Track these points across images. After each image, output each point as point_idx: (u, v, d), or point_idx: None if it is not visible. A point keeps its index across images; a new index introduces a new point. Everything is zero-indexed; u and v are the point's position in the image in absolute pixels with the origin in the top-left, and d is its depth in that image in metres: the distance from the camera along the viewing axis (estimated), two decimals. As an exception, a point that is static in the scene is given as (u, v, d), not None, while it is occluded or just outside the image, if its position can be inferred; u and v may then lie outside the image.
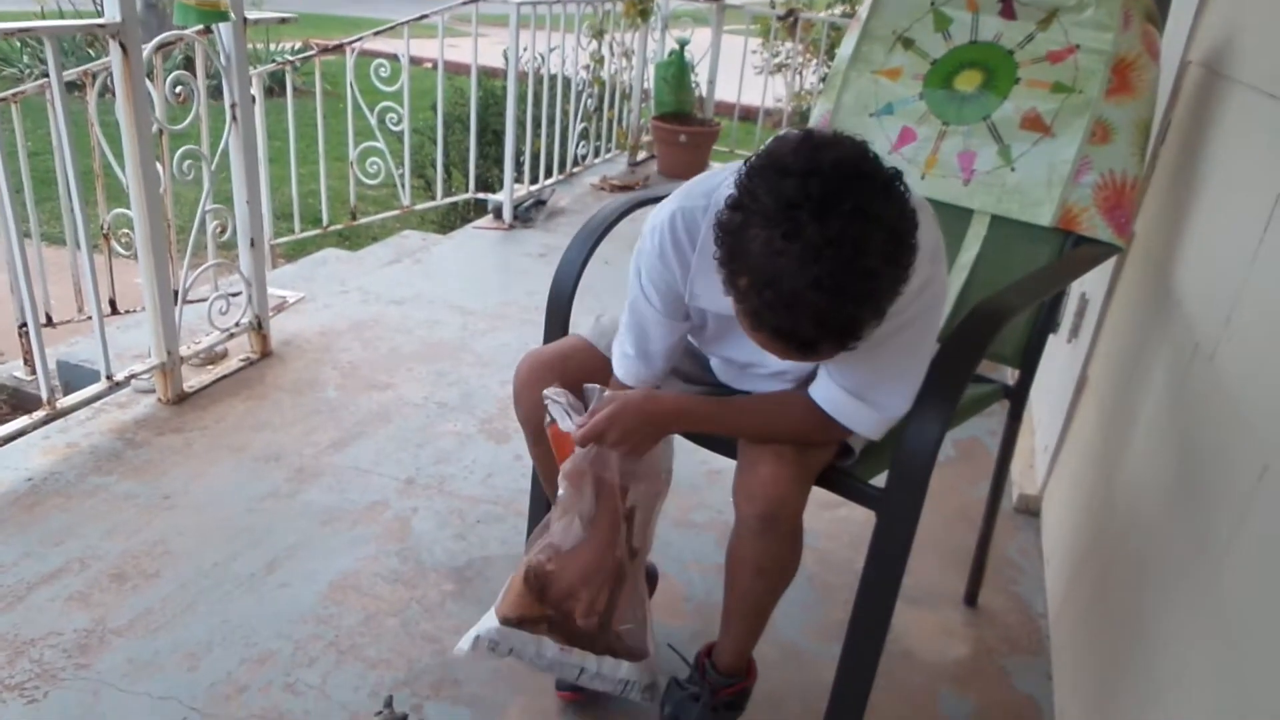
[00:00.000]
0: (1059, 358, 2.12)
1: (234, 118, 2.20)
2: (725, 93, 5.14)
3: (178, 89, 2.10)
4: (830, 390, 1.10)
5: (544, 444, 1.33)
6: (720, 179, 1.09)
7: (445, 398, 2.30)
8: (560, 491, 1.22)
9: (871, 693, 1.20)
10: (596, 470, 1.19)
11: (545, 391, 1.21)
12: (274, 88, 4.73)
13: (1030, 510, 1.99)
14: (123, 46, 1.89)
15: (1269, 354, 0.99)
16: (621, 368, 1.24)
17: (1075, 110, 1.50)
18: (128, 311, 2.91)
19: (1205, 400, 1.16)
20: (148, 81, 2.00)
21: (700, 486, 2.00)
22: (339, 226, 3.96)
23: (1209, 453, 1.10)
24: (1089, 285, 2.01)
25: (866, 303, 0.89)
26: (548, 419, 1.22)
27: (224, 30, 2.13)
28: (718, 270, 0.94)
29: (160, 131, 2.17)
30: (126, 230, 2.38)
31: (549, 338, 1.46)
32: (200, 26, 2.11)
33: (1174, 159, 1.64)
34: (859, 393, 1.09)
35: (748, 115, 5.66)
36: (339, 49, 3.56)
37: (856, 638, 1.20)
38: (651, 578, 1.52)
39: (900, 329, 1.03)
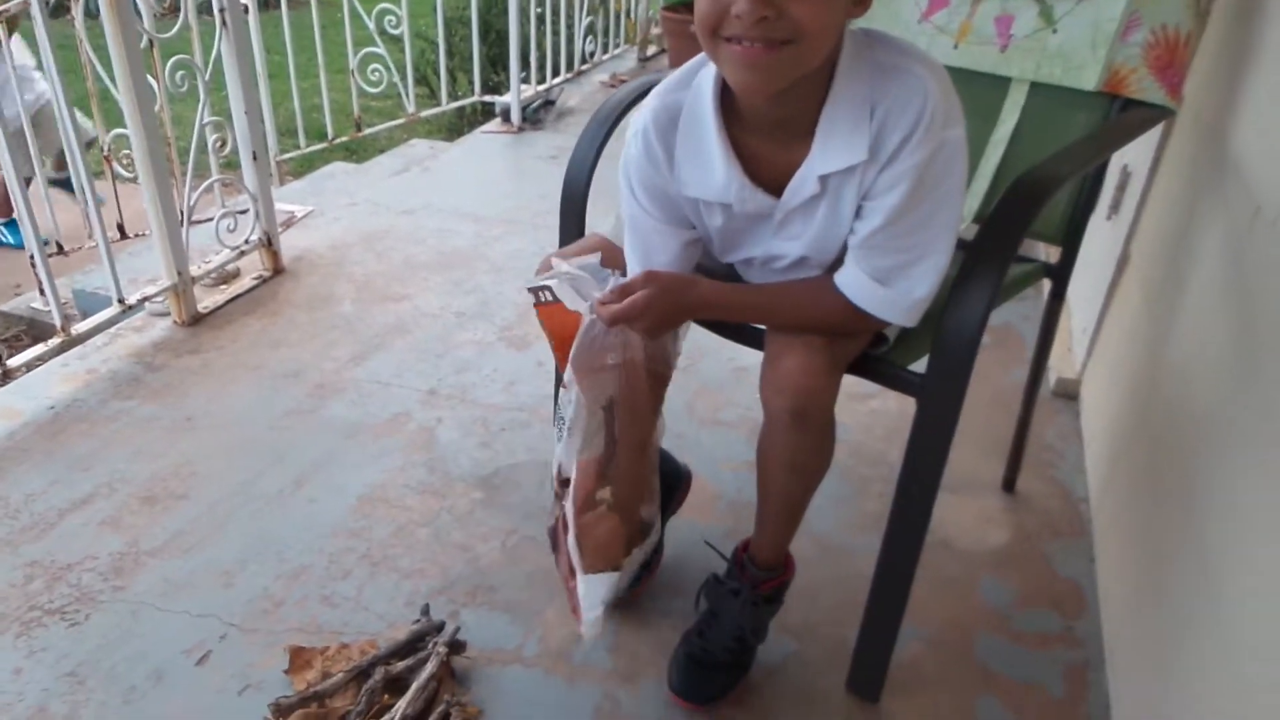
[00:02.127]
0: (1098, 236, 2.02)
1: (224, 23, 2.10)
2: None
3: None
4: (857, 278, 1.04)
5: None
6: (698, 64, 1.04)
7: (462, 307, 2.25)
8: (578, 394, 1.12)
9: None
10: (622, 355, 1.12)
11: (555, 264, 1.11)
12: (269, 0, 4.56)
13: (1069, 394, 1.94)
14: (100, -50, 1.79)
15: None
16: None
17: (1124, -40, 1.38)
18: (137, 235, 2.87)
19: (1268, 266, 1.08)
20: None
21: (728, 384, 1.95)
22: (344, 139, 3.84)
23: (1270, 328, 1.03)
24: (1130, 157, 1.90)
25: None
26: (544, 296, 1.11)
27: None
28: None
29: (150, 44, 2.07)
30: (128, 152, 2.31)
31: (564, 240, 1.40)
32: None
33: (1233, 9, 1.52)
34: (885, 278, 1.03)
35: None
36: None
37: (897, 529, 1.17)
38: (684, 478, 1.49)
39: (918, 193, 0.98)
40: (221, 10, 2.09)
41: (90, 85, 2.60)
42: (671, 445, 1.72)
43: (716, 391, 1.93)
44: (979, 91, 1.49)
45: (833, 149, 0.99)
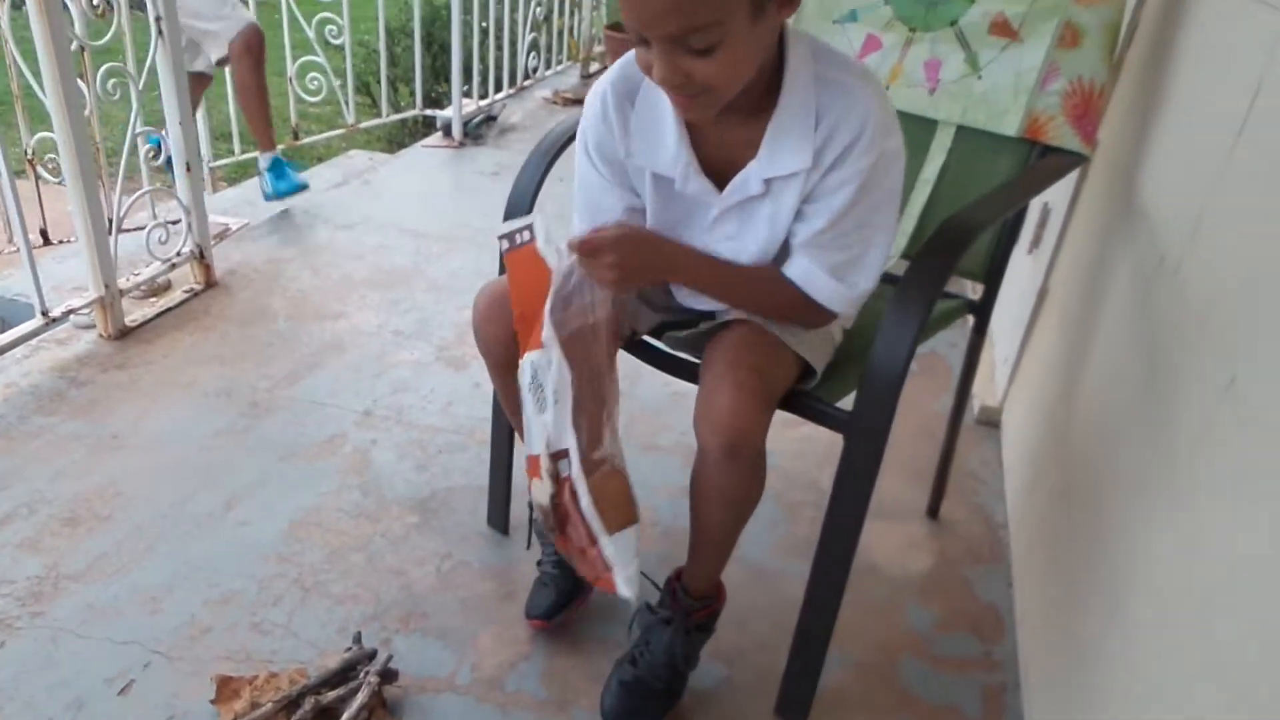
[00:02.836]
0: (1019, 269, 2.11)
1: (160, 32, 2.06)
2: None
3: (96, 1, 1.95)
4: (812, 272, 1.11)
5: (509, 374, 1.29)
6: None
7: (400, 325, 2.24)
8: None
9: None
10: (592, 315, 1.11)
11: (531, 219, 1.12)
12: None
13: (991, 422, 2.01)
14: (29, -44, 1.75)
15: (1237, 265, 0.98)
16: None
17: (1044, 14, 1.45)
18: (61, 242, 2.78)
19: (1170, 312, 1.15)
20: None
21: (665, 409, 1.98)
22: (281, 147, 3.78)
23: (1173, 364, 1.10)
24: (1051, 195, 1.99)
25: None
26: (520, 238, 1.11)
27: (141, -64, 1.97)
28: None
29: (81, 49, 2.03)
30: (53, 156, 2.24)
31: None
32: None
33: (1142, 61, 1.61)
34: (838, 273, 1.11)
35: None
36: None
37: (825, 558, 1.20)
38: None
39: (859, 197, 1.06)
40: (158, 20, 2.05)
41: (14, 85, 2.53)
42: (608, 469, 1.74)
43: (654, 416, 1.96)
44: (909, 131, 1.53)
45: (779, 155, 1.06)
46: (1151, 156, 1.41)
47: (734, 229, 1.15)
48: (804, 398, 1.17)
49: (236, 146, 3.64)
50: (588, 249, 1.06)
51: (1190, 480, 0.97)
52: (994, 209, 1.26)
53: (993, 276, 1.52)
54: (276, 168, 2.89)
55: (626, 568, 1.14)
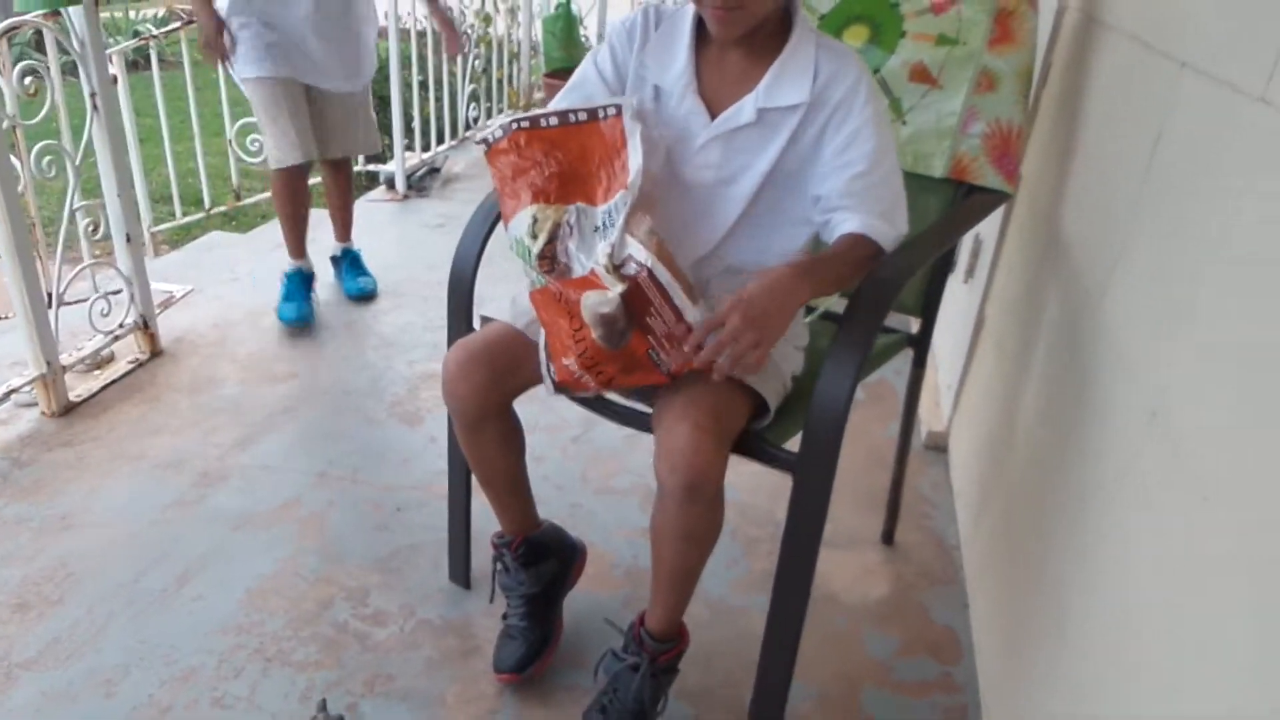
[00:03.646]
0: (957, 296, 2.19)
1: (95, 107, 2.06)
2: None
3: (28, 80, 1.95)
4: (868, 223, 1.20)
5: (479, 434, 1.31)
6: None
7: (351, 384, 2.24)
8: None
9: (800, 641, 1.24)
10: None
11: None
12: (139, 60, 4.45)
13: (938, 446, 2.07)
14: (-41, 37, 1.74)
15: (1153, 302, 1.04)
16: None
17: (960, 62, 1.52)
18: (2, 319, 2.73)
19: (1094, 346, 1.21)
20: (-7, 73, 1.86)
21: (620, 451, 2.00)
22: (223, 208, 3.78)
23: (1101, 394, 1.15)
24: (982, 227, 2.07)
25: None
26: (494, 135, 1.19)
27: (75, 14, 1.97)
28: None
29: (14, 127, 2.01)
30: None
31: (453, 319, 1.43)
32: (45, 12, 1.95)
33: (1055, 103, 1.70)
34: (887, 217, 1.22)
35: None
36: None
37: (783, 594, 1.23)
38: (580, 552, 1.52)
39: (879, 135, 1.20)
40: (93, 95, 2.05)
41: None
42: (566, 515, 1.76)
43: (609, 459, 1.98)
44: (840, 175, 1.62)
45: (777, 91, 1.20)
46: (1070, 194, 1.49)
47: (717, 158, 1.24)
48: (754, 440, 1.21)
49: (177, 209, 3.62)
50: (710, 329, 1.08)
51: (1120, 506, 1.02)
52: (924, 251, 1.32)
53: (929, 310, 1.58)
54: (355, 261, 2.79)
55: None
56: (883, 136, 1.22)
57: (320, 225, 2.80)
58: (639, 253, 1.07)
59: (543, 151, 1.19)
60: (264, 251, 3.07)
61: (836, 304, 1.64)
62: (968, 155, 1.54)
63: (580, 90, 1.31)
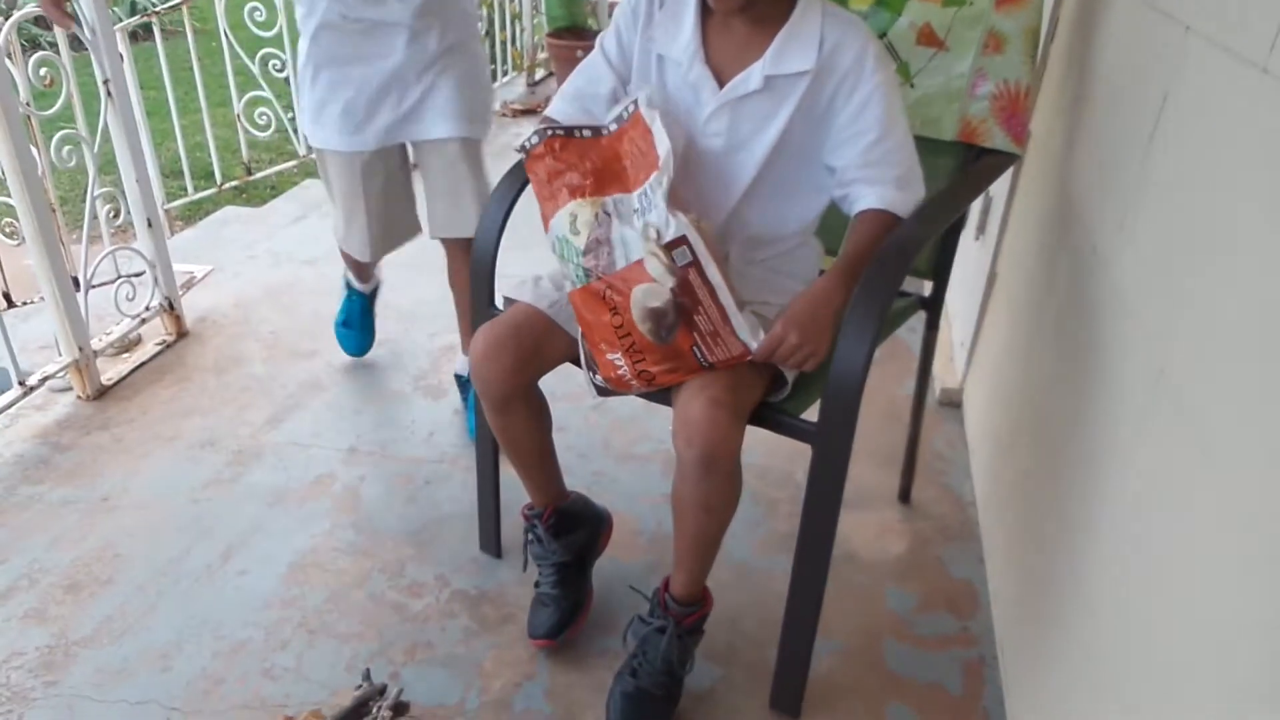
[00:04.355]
0: (968, 253, 2.20)
1: (109, 94, 2.08)
2: None
3: (43, 71, 1.97)
4: (886, 192, 1.24)
5: (507, 415, 1.36)
6: None
7: (375, 358, 2.28)
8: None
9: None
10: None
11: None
12: (138, 32, 4.43)
13: (953, 403, 2.10)
14: (-26, 32, 1.76)
15: (1160, 261, 1.06)
16: (553, 110, 1.35)
17: (967, 22, 1.53)
18: (25, 303, 2.78)
19: (1104, 302, 1.24)
20: (8, 63, 1.87)
21: (640, 417, 2.05)
22: (235, 183, 3.80)
23: (1110, 352, 1.18)
24: (993, 184, 2.07)
25: None
26: (530, 142, 1.23)
27: (85, 2, 1.98)
28: None
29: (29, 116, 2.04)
30: (11, 220, 2.25)
31: (477, 301, 1.47)
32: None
33: (1064, 58, 1.69)
34: (902, 184, 1.25)
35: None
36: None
37: (805, 556, 1.28)
38: (606, 521, 1.57)
39: (893, 112, 1.23)
40: (106, 82, 2.06)
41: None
42: (590, 482, 1.82)
43: (630, 426, 2.02)
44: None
45: (785, 56, 1.23)
46: (1079, 150, 1.50)
47: (726, 125, 1.28)
48: (771, 411, 1.24)
49: (189, 185, 3.64)
50: (768, 351, 1.16)
51: (1130, 461, 1.05)
52: (936, 219, 1.34)
53: (940, 272, 1.60)
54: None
55: (758, 333, 1.16)
56: (893, 102, 1.24)
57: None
58: (687, 231, 1.09)
59: (577, 155, 1.22)
60: (279, 227, 3.10)
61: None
62: (976, 117, 1.55)
63: (588, 74, 1.34)
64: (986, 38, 1.52)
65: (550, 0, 4.49)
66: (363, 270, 2.18)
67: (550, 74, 4.78)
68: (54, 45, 2.07)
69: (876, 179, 1.25)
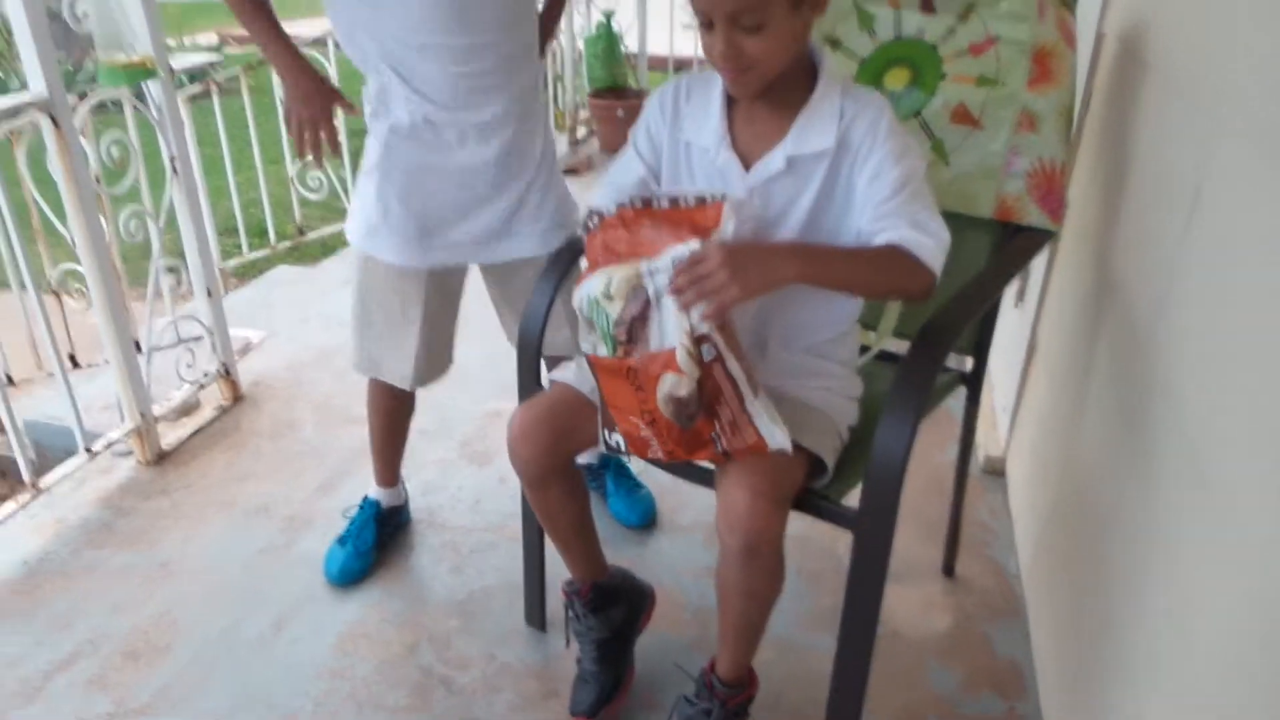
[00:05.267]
0: (1009, 320, 2.20)
1: (174, 170, 2.19)
2: (657, 45, 5.07)
3: (113, 150, 2.08)
4: (904, 233, 1.20)
5: (543, 493, 1.39)
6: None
7: (422, 423, 2.32)
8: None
9: (867, 681, 1.29)
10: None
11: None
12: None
13: (996, 471, 2.09)
14: (53, 119, 1.87)
15: (1199, 343, 1.07)
16: (596, 200, 1.33)
17: (1000, 102, 1.55)
18: (90, 365, 2.89)
19: (1143, 382, 1.24)
20: (82, 140, 1.98)
21: (682, 487, 2.06)
22: (287, 243, 3.92)
23: (1149, 430, 1.18)
24: (1031, 249, 2.08)
25: None
26: (592, 222, 1.21)
27: (153, 85, 2.10)
28: None
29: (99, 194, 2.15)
30: (79, 287, 2.35)
31: (522, 376, 1.51)
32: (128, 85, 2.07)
33: (1099, 130, 1.71)
34: (919, 227, 1.21)
35: (681, 66, 5.63)
36: (263, 63, 3.47)
37: (849, 637, 1.28)
38: (649, 597, 1.59)
39: (904, 164, 1.22)
40: (172, 159, 2.17)
41: (35, 223, 2.65)
42: (633, 554, 1.83)
43: (670, 494, 2.04)
44: (888, 218, 1.66)
45: (805, 138, 1.25)
46: (1117, 224, 1.51)
47: (756, 209, 1.29)
48: (812, 497, 1.26)
49: (244, 244, 3.76)
50: (690, 264, 1.10)
51: (1175, 540, 1.05)
52: (974, 303, 1.35)
53: (981, 348, 1.61)
54: (623, 470, 2.03)
55: (775, 423, 1.17)
56: (907, 164, 1.23)
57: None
58: (719, 345, 1.11)
59: (640, 225, 1.21)
60: (330, 289, 3.20)
61: (891, 343, 1.68)
62: (1012, 195, 1.57)
63: (624, 167, 1.38)
64: (1020, 117, 1.55)
65: (592, 62, 4.61)
66: (387, 467, 1.91)
67: (591, 132, 4.88)
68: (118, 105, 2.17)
69: (890, 226, 1.21)
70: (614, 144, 4.64)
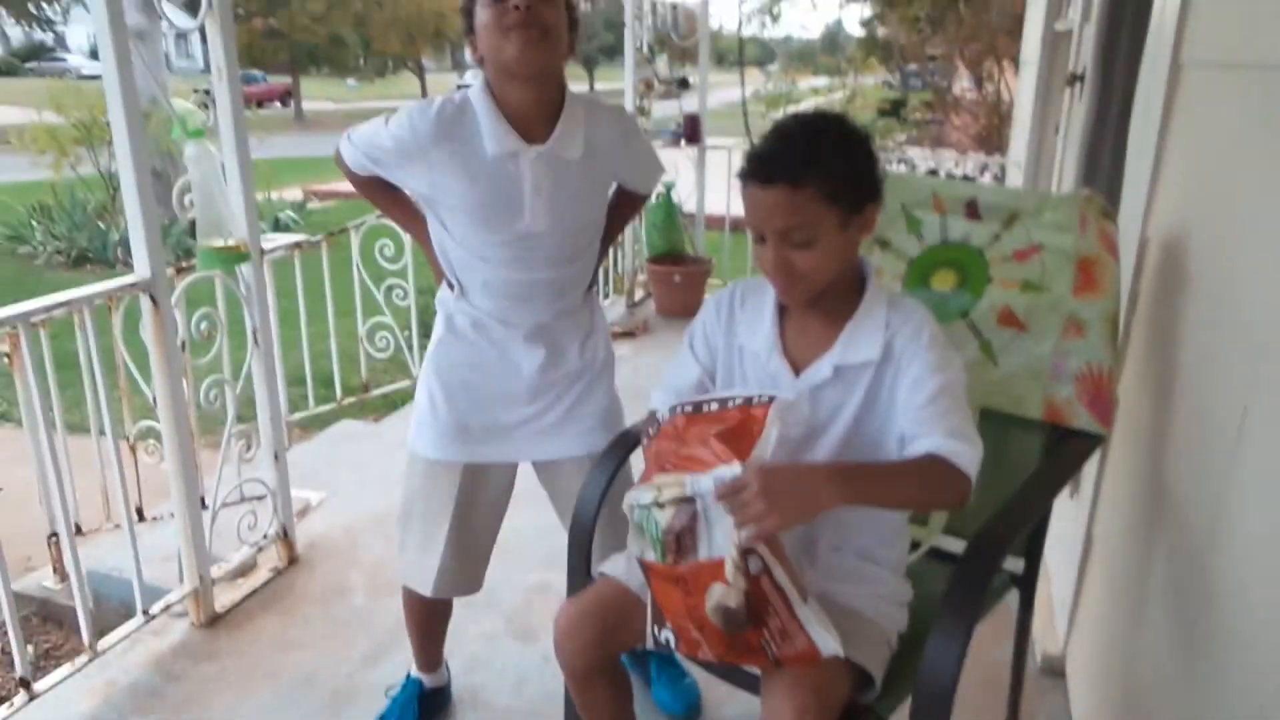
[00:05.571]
0: (1065, 512, 2.16)
1: (255, 342, 2.32)
2: (713, 204, 5.23)
3: (203, 326, 2.22)
4: (942, 441, 1.22)
5: (588, 689, 1.39)
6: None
7: (469, 595, 2.34)
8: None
9: None
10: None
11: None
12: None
13: (1055, 671, 2.01)
14: (153, 299, 2.03)
15: (1254, 567, 1.05)
16: (654, 402, 1.40)
17: (1047, 308, 1.60)
18: (155, 519, 2.98)
19: (1204, 588, 1.21)
20: (175, 312, 2.13)
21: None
22: (352, 399, 4.05)
23: (1212, 651, 1.15)
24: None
25: (828, 145, 1.22)
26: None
27: (245, 268, 2.26)
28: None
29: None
30: (155, 443, 2.46)
31: (572, 573, 1.53)
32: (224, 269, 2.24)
33: (1146, 336, 1.73)
34: (959, 434, 1.22)
35: (738, 226, 5.79)
36: (343, 231, 3.70)
37: None
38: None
39: (943, 375, 1.26)
40: (254, 331, 2.31)
41: (123, 384, 2.81)
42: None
43: (717, 684, 1.99)
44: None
45: (851, 348, 1.31)
46: (1167, 439, 1.50)
47: (804, 414, 1.30)
48: (860, 711, 1.23)
49: (310, 396, 3.90)
50: (730, 490, 1.11)
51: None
52: (1029, 509, 1.36)
53: (1033, 552, 1.60)
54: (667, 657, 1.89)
55: (826, 629, 1.16)
56: (947, 375, 1.26)
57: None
58: (765, 557, 1.13)
59: (689, 435, 1.24)
60: (392, 448, 3.27)
61: (942, 540, 1.67)
62: (1060, 397, 1.59)
63: (681, 369, 1.45)
64: (1066, 323, 1.59)
65: (650, 232, 4.82)
66: (429, 656, 1.89)
67: (648, 295, 5.05)
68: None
69: (928, 432, 1.23)
70: (670, 308, 4.79)
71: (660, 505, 1.20)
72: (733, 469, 1.13)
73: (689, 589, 1.19)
